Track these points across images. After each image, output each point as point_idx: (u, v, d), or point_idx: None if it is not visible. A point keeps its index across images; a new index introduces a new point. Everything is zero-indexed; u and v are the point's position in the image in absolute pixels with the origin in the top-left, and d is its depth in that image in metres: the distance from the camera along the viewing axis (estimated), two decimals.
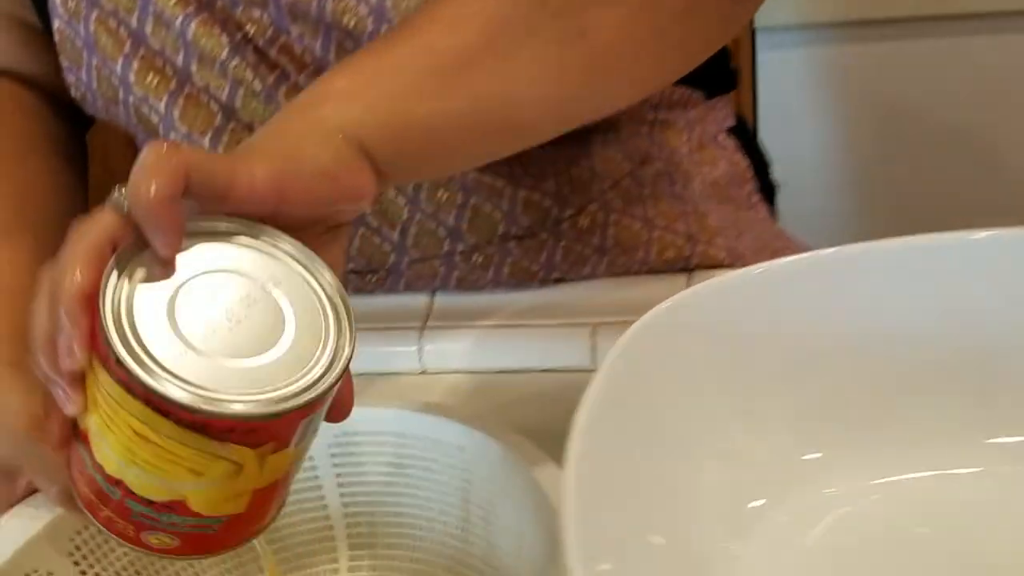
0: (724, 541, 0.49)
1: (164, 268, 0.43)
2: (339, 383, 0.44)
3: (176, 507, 0.44)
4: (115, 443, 0.43)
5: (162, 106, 0.68)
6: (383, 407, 0.59)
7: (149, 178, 0.42)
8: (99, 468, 0.44)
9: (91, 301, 0.42)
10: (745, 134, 0.81)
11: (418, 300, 0.75)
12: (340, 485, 0.61)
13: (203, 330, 0.43)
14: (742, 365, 0.50)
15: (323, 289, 0.45)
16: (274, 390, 0.42)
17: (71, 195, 0.72)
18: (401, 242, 0.71)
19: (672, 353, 0.49)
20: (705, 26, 0.55)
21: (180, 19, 0.66)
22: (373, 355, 0.71)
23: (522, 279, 0.73)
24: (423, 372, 0.71)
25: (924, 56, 1.38)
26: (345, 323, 0.44)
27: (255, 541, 0.48)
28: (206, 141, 0.68)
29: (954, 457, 0.50)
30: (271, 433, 0.43)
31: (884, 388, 0.51)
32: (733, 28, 0.59)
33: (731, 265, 0.73)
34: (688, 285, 0.72)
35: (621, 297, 0.72)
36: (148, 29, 0.67)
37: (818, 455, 0.50)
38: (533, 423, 0.65)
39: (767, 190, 0.83)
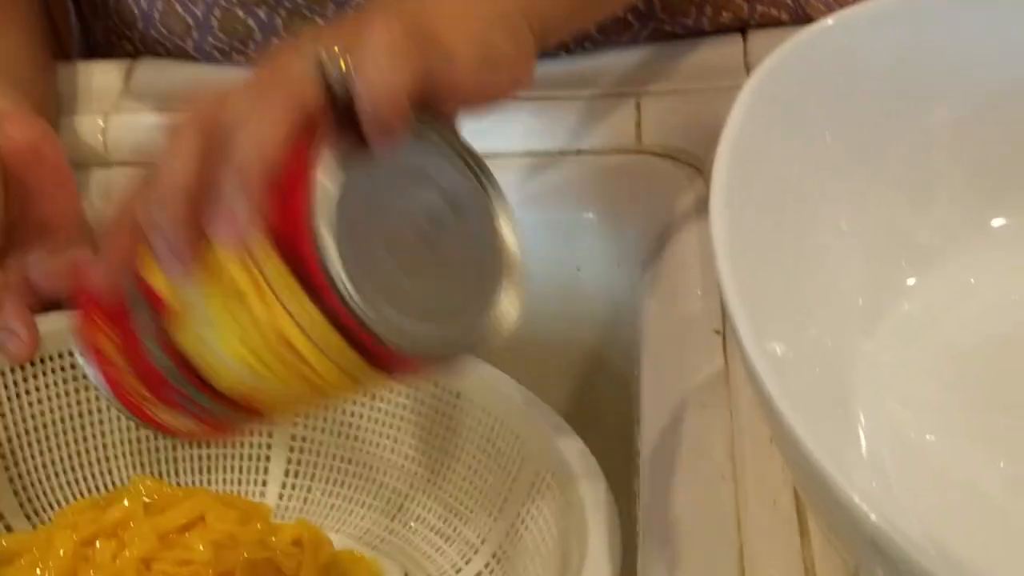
0: (860, 331, 0.41)
1: (374, 171, 0.38)
2: None
3: (241, 403, 0.40)
4: (231, 335, 0.38)
5: None
6: None
7: (396, 65, 0.36)
8: (167, 341, 0.40)
9: (275, 178, 0.37)
10: None
11: None
12: None
13: (398, 248, 0.38)
14: (893, 116, 0.40)
15: (503, 234, 0.41)
16: (451, 331, 0.39)
17: None
18: None
19: (808, 104, 0.39)
20: None
21: None
22: None
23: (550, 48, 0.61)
24: None
25: None
26: (515, 278, 0.41)
27: None
28: None
29: None
30: (420, 367, 0.40)
31: None
32: None
33: (794, 25, 0.62)
34: (745, 48, 0.61)
35: (667, 64, 0.61)
36: None
37: (1003, 221, 0.40)
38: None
39: None
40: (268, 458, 0.56)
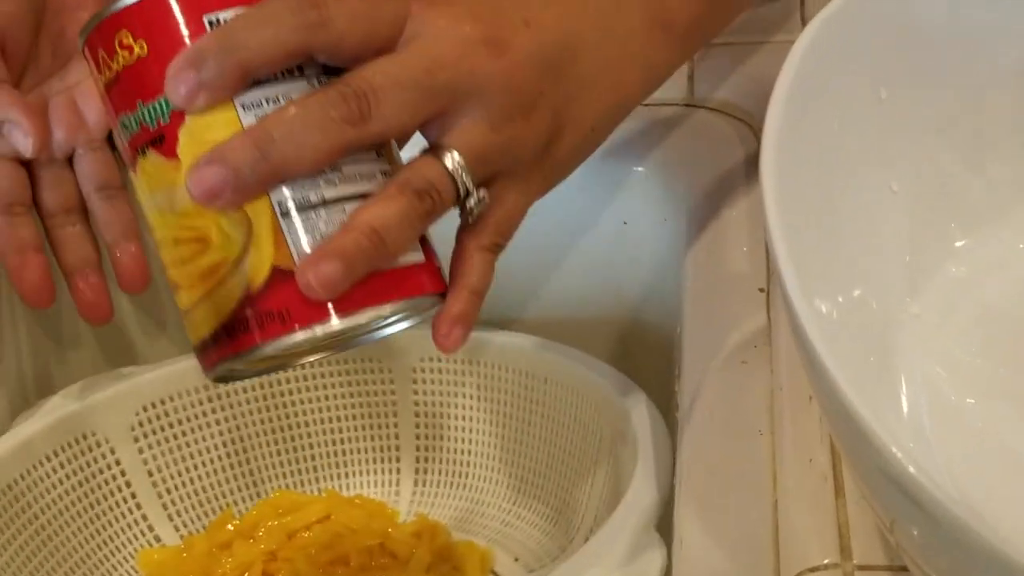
0: (906, 292, 0.41)
1: None
2: None
3: None
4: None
5: None
6: None
7: None
8: None
9: None
10: None
11: None
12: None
13: None
14: (949, 73, 0.39)
15: None
16: None
17: None
18: None
19: (862, 59, 0.39)
20: None
21: None
22: None
23: None
24: None
25: None
26: None
27: None
28: None
29: None
30: None
31: None
32: None
33: None
34: (803, 3, 0.60)
35: None
36: None
37: None
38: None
39: None
40: (399, 471, 0.59)
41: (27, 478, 0.51)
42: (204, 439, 0.57)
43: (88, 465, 0.53)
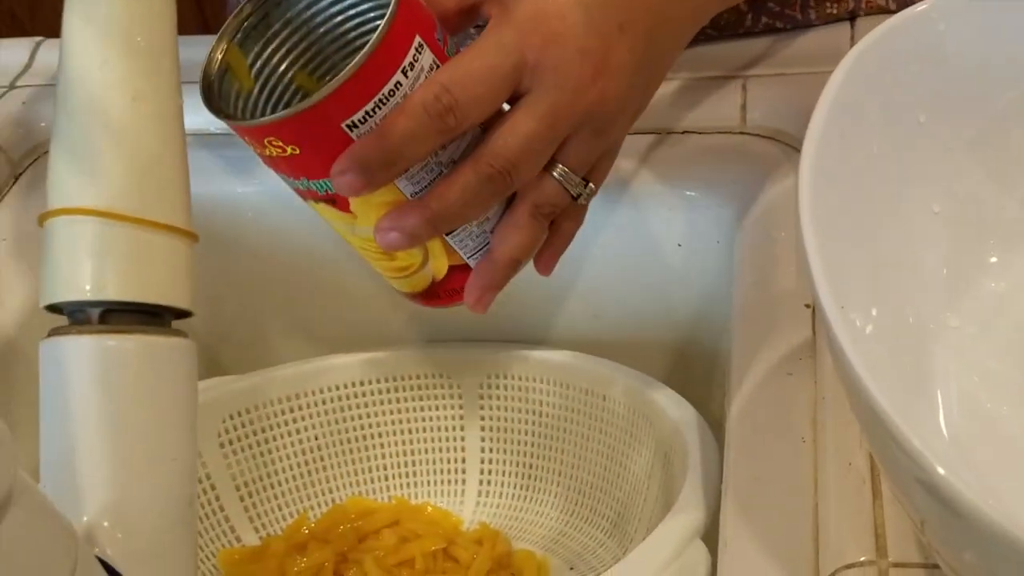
0: (943, 306, 0.42)
1: None
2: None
3: None
4: None
5: None
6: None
7: None
8: None
9: None
10: None
11: None
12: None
13: None
14: (985, 97, 0.41)
15: None
16: None
17: None
18: None
19: (902, 84, 0.41)
20: None
21: None
22: None
23: None
24: None
25: None
26: None
27: None
28: None
29: None
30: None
31: None
32: None
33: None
34: (852, 35, 0.63)
35: (775, 49, 0.63)
36: None
37: None
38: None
39: None
40: (464, 481, 0.62)
41: None
42: (284, 447, 0.61)
43: None
